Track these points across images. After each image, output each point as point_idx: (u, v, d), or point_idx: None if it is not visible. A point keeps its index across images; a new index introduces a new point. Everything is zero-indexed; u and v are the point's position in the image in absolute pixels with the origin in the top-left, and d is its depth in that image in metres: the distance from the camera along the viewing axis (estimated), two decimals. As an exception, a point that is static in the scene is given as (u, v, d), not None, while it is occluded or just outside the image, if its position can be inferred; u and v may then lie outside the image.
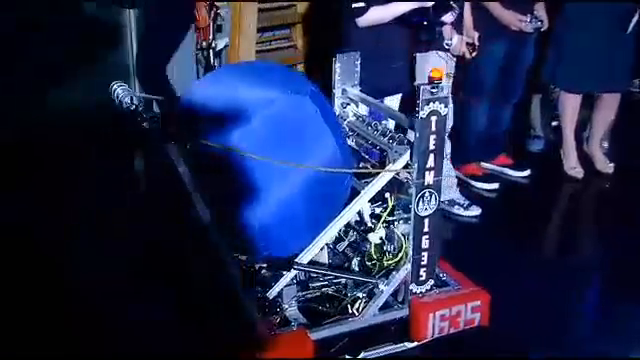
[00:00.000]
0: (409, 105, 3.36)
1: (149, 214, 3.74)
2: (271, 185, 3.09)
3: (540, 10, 5.28)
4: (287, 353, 3.03)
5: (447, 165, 5.01)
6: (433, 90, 3.12)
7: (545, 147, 6.09)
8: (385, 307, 3.36)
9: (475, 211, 5.06)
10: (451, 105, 4.78)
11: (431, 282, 3.40)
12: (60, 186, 4.04)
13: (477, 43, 4.88)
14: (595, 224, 5.09)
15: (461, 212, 5.05)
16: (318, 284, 3.40)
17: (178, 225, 3.38)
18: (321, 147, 3.16)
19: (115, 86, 3.53)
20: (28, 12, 4.00)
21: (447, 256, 4.40)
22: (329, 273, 3.40)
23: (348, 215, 3.31)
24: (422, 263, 3.34)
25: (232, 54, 5.30)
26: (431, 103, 3.13)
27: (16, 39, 3.93)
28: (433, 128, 3.16)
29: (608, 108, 5.69)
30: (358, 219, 3.45)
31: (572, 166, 5.71)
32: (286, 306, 3.26)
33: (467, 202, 5.09)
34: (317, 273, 3.38)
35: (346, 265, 3.55)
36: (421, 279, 3.37)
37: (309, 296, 3.35)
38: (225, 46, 4.97)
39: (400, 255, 3.34)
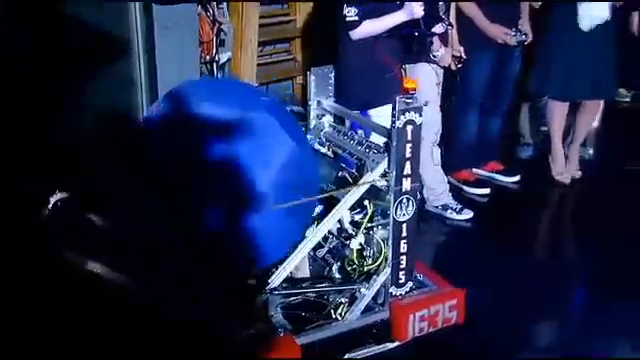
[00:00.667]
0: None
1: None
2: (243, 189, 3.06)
3: (525, 24, 5.28)
4: (275, 357, 3.03)
5: (440, 173, 5.03)
6: (408, 100, 3.12)
7: (534, 154, 6.07)
8: (366, 310, 3.35)
9: (467, 215, 5.05)
10: (440, 114, 4.82)
11: (410, 284, 3.40)
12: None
13: (463, 56, 4.90)
14: (581, 227, 5.05)
15: (454, 216, 5.05)
16: (305, 290, 3.39)
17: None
18: (281, 151, 3.13)
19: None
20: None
21: (440, 258, 4.48)
22: (310, 290, 3.39)
23: (328, 224, 3.31)
24: (401, 266, 3.35)
25: (234, 67, 5.31)
26: (406, 113, 3.14)
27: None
28: (409, 137, 3.17)
29: (590, 114, 5.70)
30: (338, 226, 3.44)
31: (559, 172, 5.70)
32: (272, 313, 3.25)
33: (459, 206, 5.08)
34: (299, 293, 3.36)
35: (326, 271, 3.54)
36: (400, 282, 3.37)
37: (293, 303, 3.34)
38: (228, 59, 4.96)
39: (380, 260, 3.34)
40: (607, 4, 5.13)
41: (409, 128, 3.14)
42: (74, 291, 3.03)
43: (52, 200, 3.04)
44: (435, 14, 4.50)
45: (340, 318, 3.30)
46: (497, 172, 5.71)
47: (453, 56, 4.85)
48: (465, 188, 5.48)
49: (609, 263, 4.43)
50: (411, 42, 4.48)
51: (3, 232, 3.20)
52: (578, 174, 5.73)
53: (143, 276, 3.03)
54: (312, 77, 3.78)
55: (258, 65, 5.69)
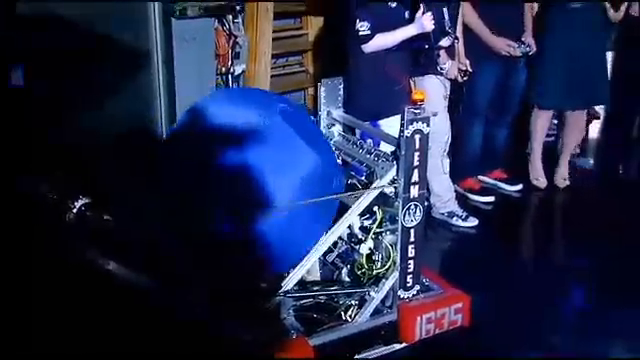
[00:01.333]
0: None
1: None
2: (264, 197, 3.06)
3: (528, 37, 5.28)
4: (290, 358, 3.04)
5: (448, 181, 5.04)
6: (416, 111, 3.14)
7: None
8: (375, 312, 3.35)
9: (472, 222, 5.07)
10: (448, 124, 4.83)
11: (417, 287, 3.40)
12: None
13: (469, 69, 4.90)
14: (580, 234, 5.02)
15: (459, 223, 5.06)
16: (313, 294, 3.38)
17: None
18: (301, 159, 3.14)
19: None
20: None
21: (446, 263, 4.49)
22: (322, 292, 3.39)
23: (339, 229, 3.31)
24: (409, 270, 3.34)
25: (249, 78, 5.32)
26: (414, 123, 3.15)
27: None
28: (417, 146, 3.18)
29: (574, 124, 5.72)
30: (348, 231, 3.44)
31: (536, 176, 5.73)
32: (285, 315, 3.25)
33: (465, 214, 5.09)
34: (310, 296, 3.36)
35: (336, 274, 3.55)
36: (408, 285, 3.37)
37: (303, 304, 3.33)
38: (242, 71, 4.97)
39: (389, 264, 3.34)
40: None
41: (417, 137, 3.15)
42: (95, 290, 3.07)
43: (77, 204, 3.05)
44: (442, 28, 4.52)
45: (350, 320, 3.30)
46: (501, 180, 5.72)
47: (459, 69, 4.86)
48: (470, 196, 5.49)
49: (608, 268, 4.45)
50: (419, 55, 4.53)
51: (27, 235, 3.25)
52: (565, 183, 5.74)
53: (161, 278, 3.07)
54: (322, 88, 3.79)
55: (271, 76, 5.70)
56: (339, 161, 3.63)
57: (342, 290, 3.42)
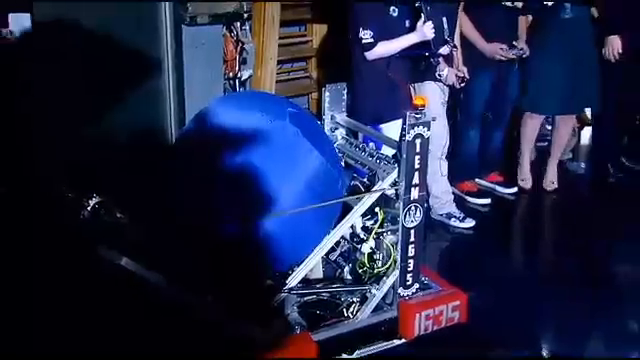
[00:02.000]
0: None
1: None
2: (271, 200, 3.07)
3: (521, 42, 5.30)
4: (294, 353, 3.03)
5: (446, 183, 5.05)
6: (417, 116, 3.14)
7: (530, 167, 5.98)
8: (376, 309, 3.35)
9: (470, 223, 5.07)
10: (447, 128, 4.84)
11: (416, 286, 3.40)
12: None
13: (467, 76, 4.91)
14: (573, 234, 5.07)
15: (457, 224, 5.07)
16: (316, 291, 3.38)
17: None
18: (308, 162, 3.14)
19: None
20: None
21: (444, 262, 4.51)
22: (324, 290, 3.38)
23: (342, 229, 3.31)
24: (409, 269, 3.34)
25: (255, 83, 5.33)
26: (415, 127, 3.14)
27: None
28: (418, 149, 3.18)
29: (563, 129, 5.74)
30: (350, 231, 3.44)
31: (522, 178, 5.76)
32: (289, 312, 3.24)
33: (462, 215, 5.10)
34: (313, 293, 3.35)
35: (338, 273, 3.55)
36: (408, 283, 3.36)
37: (307, 301, 3.32)
38: (249, 76, 4.95)
39: (389, 263, 3.34)
40: None
41: (418, 141, 3.15)
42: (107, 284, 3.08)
43: (91, 203, 3.06)
44: (442, 37, 4.53)
45: (352, 316, 3.31)
46: (497, 183, 5.72)
47: (457, 75, 4.87)
48: (468, 198, 5.49)
49: (601, 267, 4.56)
50: (420, 62, 4.53)
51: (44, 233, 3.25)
52: (553, 186, 5.76)
53: (170, 275, 3.07)
54: (326, 93, 3.79)
55: (277, 82, 5.72)
56: (342, 163, 3.63)
57: (344, 288, 3.42)
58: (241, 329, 2.98)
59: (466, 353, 3.52)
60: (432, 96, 4.62)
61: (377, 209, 3.34)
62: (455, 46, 4.76)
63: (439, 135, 4.64)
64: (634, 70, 5.50)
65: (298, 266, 3.24)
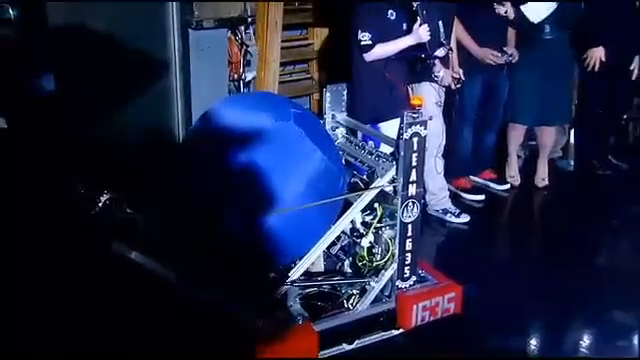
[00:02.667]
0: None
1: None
2: (276, 197, 3.05)
3: (510, 48, 5.31)
4: (296, 343, 3.06)
5: (442, 180, 5.05)
6: (414, 115, 3.14)
7: (522, 165, 6.05)
8: (375, 301, 3.36)
9: (465, 219, 5.08)
10: (444, 128, 4.84)
11: (414, 278, 3.41)
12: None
13: (462, 77, 4.93)
14: (559, 226, 5.12)
15: (453, 219, 5.07)
16: (318, 284, 3.40)
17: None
18: (311, 160, 3.13)
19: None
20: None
21: (440, 256, 4.52)
22: (326, 282, 3.40)
23: (343, 225, 3.31)
24: (406, 262, 3.35)
25: (259, 85, 5.33)
26: (413, 126, 3.15)
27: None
28: (415, 147, 3.18)
29: (544, 136, 5.77)
30: (350, 226, 3.45)
31: (511, 175, 5.81)
32: (291, 302, 3.26)
33: (458, 211, 5.10)
34: (315, 285, 3.38)
35: (338, 266, 3.56)
36: (405, 276, 3.37)
37: (308, 293, 3.34)
38: (253, 78, 4.98)
39: (387, 256, 3.34)
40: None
41: (415, 140, 3.16)
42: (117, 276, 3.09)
43: (102, 199, 3.07)
44: (437, 39, 4.52)
45: (352, 308, 3.32)
46: (491, 180, 5.73)
47: (453, 77, 4.88)
48: (463, 194, 5.50)
49: (588, 257, 4.62)
50: (416, 64, 4.55)
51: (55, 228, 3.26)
52: (544, 183, 5.79)
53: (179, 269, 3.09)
54: (327, 93, 3.80)
55: (280, 83, 5.71)
56: (342, 161, 3.63)
57: (344, 280, 3.43)
58: (245, 320, 2.99)
59: (461, 342, 3.52)
60: (428, 96, 4.63)
61: (376, 205, 3.35)
62: (451, 48, 4.77)
63: (435, 134, 4.64)
64: (618, 75, 5.67)
65: (300, 260, 3.24)
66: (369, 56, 4.36)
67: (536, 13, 5.24)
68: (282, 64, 5.78)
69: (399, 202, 3.24)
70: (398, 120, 4.39)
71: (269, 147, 3.05)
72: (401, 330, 3.39)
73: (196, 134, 3.41)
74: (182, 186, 3.23)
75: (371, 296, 3.33)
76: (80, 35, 3.88)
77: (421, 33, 4.30)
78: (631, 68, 5.73)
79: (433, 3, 4.46)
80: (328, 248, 3.47)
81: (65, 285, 3.09)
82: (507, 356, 3.55)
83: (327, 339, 3.17)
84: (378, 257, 3.38)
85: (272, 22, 5.36)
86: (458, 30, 5.08)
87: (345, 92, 3.83)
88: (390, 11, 4.38)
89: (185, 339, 2.90)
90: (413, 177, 3.21)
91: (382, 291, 3.39)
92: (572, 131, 6.36)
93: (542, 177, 5.80)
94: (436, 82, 4.74)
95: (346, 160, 3.64)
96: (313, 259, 3.27)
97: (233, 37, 4.68)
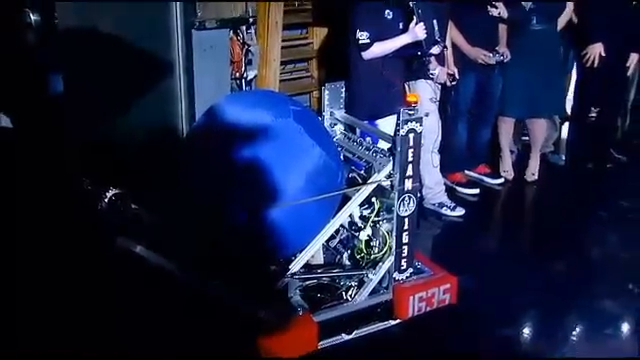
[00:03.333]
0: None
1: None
2: (276, 192, 3.03)
3: (502, 47, 5.28)
4: (297, 333, 3.05)
5: (438, 174, 5.03)
6: (410, 112, 3.11)
7: (515, 159, 6.02)
8: (373, 292, 3.33)
9: (460, 212, 5.05)
10: (440, 124, 4.81)
11: (410, 270, 3.37)
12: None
13: (457, 76, 4.92)
14: (556, 219, 5.08)
15: (448, 213, 5.04)
16: (321, 275, 3.38)
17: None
18: (310, 156, 3.10)
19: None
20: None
21: (436, 248, 4.49)
22: (325, 275, 3.38)
23: (341, 218, 3.28)
24: (403, 255, 3.32)
25: (260, 83, 5.30)
26: (409, 123, 3.11)
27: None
28: (411, 143, 3.15)
29: (535, 129, 5.72)
30: (349, 220, 3.42)
31: (505, 169, 5.78)
32: (291, 294, 3.24)
33: (453, 204, 5.08)
34: (315, 277, 3.35)
35: (337, 259, 3.52)
36: (402, 268, 3.34)
37: (308, 285, 3.32)
38: (254, 76, 4.96)
39: (385, 249, 3.32)
40: None
41: (411, 136, 3.12)
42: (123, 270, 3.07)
43: (108, 195, 3.05)
44: (433, 38, 4.51)
45: (350, 299, 3.29)
46: (485, 175, 5.70)
47: (448, 74, 4.85)
48: (458, 188, 5.46)
49: (578, 248, 4.60)
50: (413, 62, 4.53)
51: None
52: (533, 177, 5.76)
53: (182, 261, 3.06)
54: (326, 91, 3.75)
55: (280, 81, 5.68)
56: (341, 157, 3.60)
57: (343, 273, 3.40)
58: (247, 311, 2.97)
59: (455, 332, 3.50)
60: (424, 94, 4.61)
61: (374, 199, 3.32)
62: (445, 46, 4.74)
63: (431, 130, 4.61)
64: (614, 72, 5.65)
65: (300, 252, 3.22)
66: (367, 54, 4.35)
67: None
68: (283, 63, 5.74)
69: (396, 196, 3.20)
70: (395, 117, 4.43)
71: (269, 143, 3.02)
72: (398, 320, 3.36)
73: (199, 131, 3.38)
74: (185, 181, 3.20)
75: (369, 288, 3.30)
76: (87, 36, 3.87)
77: (417, 31, 4.30)
78: (627, 65, 5.70)
79: (428, 2, 4.46)
80: (327, 241, 3.44)
81: (69, 280, 3.06)
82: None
83: (326, 329, 3.15)
84: (376, 250, 3.35)
85: (273, 22, 5.33)
86: (452, 31, 5.05)
87: (343, 90, 3.79)
88: (387, 11, 4.38)
89: (188, 330, 2.88)
90: (409, 172, 3.18)
91: (380, 283, 3.36)
92: (563, 126, 6.33)
93: (532, 172, 5.77)
94: (432, 79, 4.72)
95: (345, 156, 3.60)
96: (312, 252, 3.24)
97: (235, 37, 4.65)
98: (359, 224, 3.38)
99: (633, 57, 5.68)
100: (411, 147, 3.14)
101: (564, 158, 6.23)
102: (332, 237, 3.47)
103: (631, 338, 3.66)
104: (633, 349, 3.57)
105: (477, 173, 5.71)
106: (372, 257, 3.35)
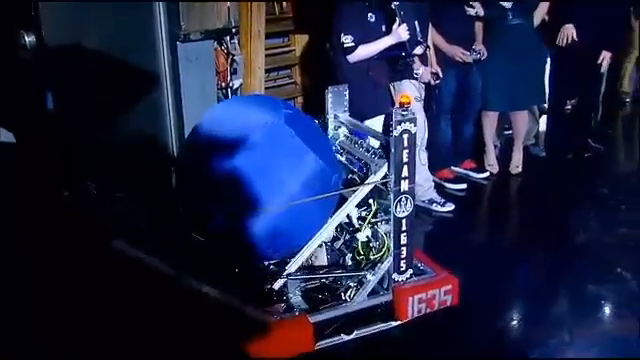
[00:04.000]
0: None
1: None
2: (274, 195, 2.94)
3: (478, 44, 5.20)
4: (291, 334, 2.94)
5: (426, 171, 4.91)
6: (403, 113, 2.97)
7: (499, 153, 5.92)
8: (373, 293, 3.21)
9: (449, 207, 4.94)
10: (426, 122, 4.69)
11: (410, 271, 3.23)
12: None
13: (440, 74, 4.84)
14: (540, 209, 5.01)
15: (438, 208, 4.93)
16: (317, 276, 3.26)
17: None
18: (302, 159, 3.01)
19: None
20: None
21: (428, 243, 4.37)
22: (321, 276, 3.27)
23: (337, 220, 3.17)
24: (402, 256, 3.18)
25: (246, 91, 5.19)
26: (402, 124, 2.98)
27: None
28: (405, 144, 3.02)
29: (518, 122, 5.65)
30: (348, 221, 3.30)
31: (489, 163, 5.69)
32: (291, 295, 3.13)
33: (443, 200, 4.97)
34: (313, 278, 3.24)
35: (341, 260, 3.38)
36: (402, 269, 3.20)
37: (310, 286, 3.21)
38: (240, 85, 4.84)
39: (383, 250, 3.18)
40: None
41: (405, 136, 2.99)
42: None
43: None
44: (415, 38, 4.41)
45: (349, 300, 3.16)
46: (471, 169, 5.59)
47: (432, 73, 4.77)
48: (446, 184, 5.35)
49: (562, 235, 4.54)
50: (397, 62, 4.43)
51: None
52: (517, 170, 5.67)
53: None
54: (329, 94, 3.64)
55: (265, 88, 5.57)
56: (343, 159, 3.51)
57: (341, 273, 3.28)
58: (242, 310, 2.91)
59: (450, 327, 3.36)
60: (409, 93, 4.44)
61: (371, 200, 3.19)
62: (428, 46, 4.67)
63: (418, 128, 4.46)
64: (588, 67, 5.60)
65: (297, 253, 3.13)
66: (352, 57, 4.27)
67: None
68: (266, 70, 5.64)
69: (392, 198, 3.07)
70: (382, 117, 4.30)
71: (261, 148, 2.95)
72: (399, 322, 3.22)
73: (191, 141, 3.31)
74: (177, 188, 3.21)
75: (367, 289, 3.18)
76: (73, 53, 3.82)
77: (400, 32, 4.22)
78: (598, 62, 5.61)
79: (408, 4, 4.37)
80: (332, 243, 3.32)
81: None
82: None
83: (324, 330, 3.05)
84: (375, 251, 3.21)
85: (255, 31, 5.23)
86: (431, 31, 4.95)
87: (347, 92, 3.68)
88: (369, 14, 4.30)
89: (182, 328, 2.82)
90: (405, 173, 3.05)
91: (381, 284, 3.23)
92: (541, 119, 6.25)
93: (516, 164, 5.68)
94: (416, 79, 4.63)
95: (347, 157, 3.49)
96: (308, 253, 3.14)
97: (219, 47, 4.54)
98: (356, 225, 3.25)
99: (605, 54, 5.60)
100: (406, 148, 3.01)
101: (544, 152, 6.16)
102: (337, 238, 3.34)
103: (622, 319, 3.57)
104: (629, 329, 3.46)
105: (463, 168, 5.60)
106: (372, 258, 3.21)
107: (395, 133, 2.96)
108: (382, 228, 3.17)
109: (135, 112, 4.10)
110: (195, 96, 4.25)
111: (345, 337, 3.11)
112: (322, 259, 3.31)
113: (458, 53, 5.05)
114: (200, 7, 4.14)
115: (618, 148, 6.87)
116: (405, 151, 3.00)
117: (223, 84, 4.64)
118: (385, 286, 3.23)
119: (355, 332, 3.13)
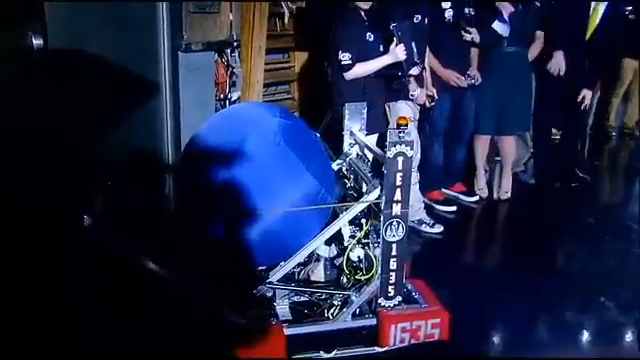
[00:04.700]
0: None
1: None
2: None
3: (473, 70, 5.04)
4: (263, 342, 2.80)
5: (417, 193, 4.76)
6: (400, 134, 2.77)
7: (489, 178, 5.75)
8: (359, 315, 3.02)
9: (439, 229, 4.77)
10: (419, 143, 4.52)
11: (399, 298, 3.00)
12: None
13: (435, 96, 4.70)
14: (527, 235, 4.82)
15: (428, 229, 4.75)
16: (295, 289, 3.09)
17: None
18: (292, 172, 2.89)
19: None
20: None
21: (416, 264, 4.17)
22: (295, 289, 3.08)
23: (325, 235, 2.97)
24: (390, 281, 2.95)
25: (243, 104, 5.07)
26: (397, 145, 2.77)
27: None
28: (399, 167, 2.80)
29: (505, 147, 5.49)
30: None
31: (479, 187, 5.50)
32: (277, 304, 2.98)
33: (432, 221, 4.79)
34: (287, 289, 3.05)
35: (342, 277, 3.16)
36: (389, 295, 2.98)
37: (301, 299, 3.06)
38: (238, 97, 4.74)
39: (372, 272, 2.97)
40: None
41: (400, 159, 2.77)
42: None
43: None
44: (412, 59, 4.25)
45: (331, 318, 2.98)
46: (461, 193, 5.41)
47: (427, 95, 4.63)
48: (436, 206, 5.17)
49: (550, 262, 4.47)
50: (393, 82, 4.31)
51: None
52: (506, 195, 5.49)
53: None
54: (346, 111, 3.50)
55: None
56: (352, 176, 3.36)
57: (325, 290, 3.08)
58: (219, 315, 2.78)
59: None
60: (405, 114, 4.30)
61: (363, 220, 3.01)
62: (424, 68, 4.54)
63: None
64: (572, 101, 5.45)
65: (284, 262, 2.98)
66: (349, 75, 4.13)
67: (505, 27, 4.97)
68: (265, 85, 5.50)
69: (382, 220, 2.86)
70: (375, 136, 4.16)
71: (251, 157, 2.82)
72: (385, 348, 2.99)
73: (188, 151, 3.23)
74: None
75: (350, 309, 2.98)
76: (76, 59, 3.64)
77: (398, 52, 4.09)
78: (578, 100, 5.43)
79: (407, 25, 4.23)
80: (332, 259, 3.12)
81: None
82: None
83: (301, 344, 2.88)
84: (364, 272, 3.00)
85: (256, 46, 5.11)
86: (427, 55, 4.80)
87: (365, 110, 3.54)
88: (368, 33, 4.19)
89: (161, 330, 2.72)
90: (397, 196, 2.83)
91: (370, 307, 3.03)
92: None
93: (505, 190, 5.50)
94: (411, 100, 4.49)
95: (355, 176, 3.33)
96: (291, 266, 2.96)
97: (220, 59, 4.47)
98: (345, 244, 3.05)
99: (585, 93, 5.42)
100: (400, 171, 2.79)
101: (532, 178, 6.02)
102: (338, 255, 3.13)
103: (601, 347, 3.43)
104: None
105: (453, 191, 5.43)
106: (361, 279, 3.01)
107: (389, 154, 2.76)
108: (373, 250, 2.97)
109: (133, 120, 3.99)
110: (193, 106, 4.17)
111: (324, 355, 2.94)
112: (319, 274, 3.12)
113: (453, 77, 4.89)
114: (203, 19, 4.08)
115: (604, 179, 6.77)
116: (399, 174, 2.79)
117: (221, 95, 4.56)
118: (372, 309, 3.03)
119: (335, 352, 2.95)
